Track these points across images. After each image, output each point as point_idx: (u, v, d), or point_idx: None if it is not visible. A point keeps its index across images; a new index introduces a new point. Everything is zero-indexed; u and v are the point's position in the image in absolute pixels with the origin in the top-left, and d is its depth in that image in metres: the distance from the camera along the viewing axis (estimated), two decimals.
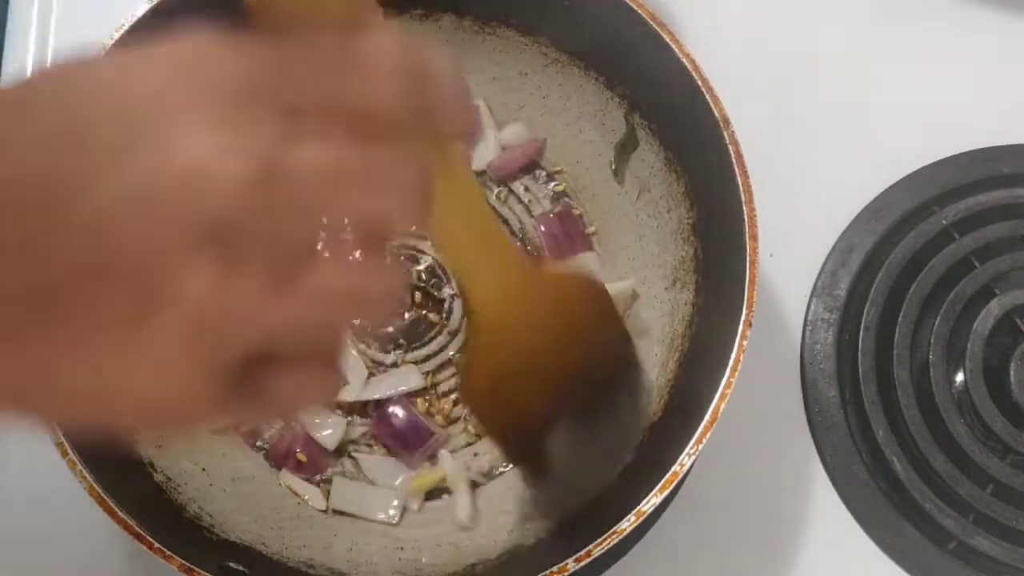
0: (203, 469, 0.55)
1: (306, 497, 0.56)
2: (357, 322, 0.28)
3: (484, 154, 0.62)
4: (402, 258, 0.61)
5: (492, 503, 0.56)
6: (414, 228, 0.31)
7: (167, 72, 0.24)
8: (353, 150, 0.26)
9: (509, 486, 0.57)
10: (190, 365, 0.25)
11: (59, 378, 0.25)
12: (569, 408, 0.48)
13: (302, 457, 0.56)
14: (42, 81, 0.26)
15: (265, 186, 0.24)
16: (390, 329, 0.60)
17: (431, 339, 0.60)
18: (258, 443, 0.57)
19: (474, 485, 0.57)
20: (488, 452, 0.58)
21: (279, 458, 0.57)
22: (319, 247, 0.26)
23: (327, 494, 0.56)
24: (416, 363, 0.59)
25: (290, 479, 0.56)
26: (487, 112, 0.63)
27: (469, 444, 0.58)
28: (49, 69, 0.27)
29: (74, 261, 0.23)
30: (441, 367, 0.59)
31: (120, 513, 0.45)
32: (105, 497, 0.45)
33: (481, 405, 0.48)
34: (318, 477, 0.57)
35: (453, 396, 0.59)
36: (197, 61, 0.25)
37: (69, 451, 0.46)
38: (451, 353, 0.60)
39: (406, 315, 0.60)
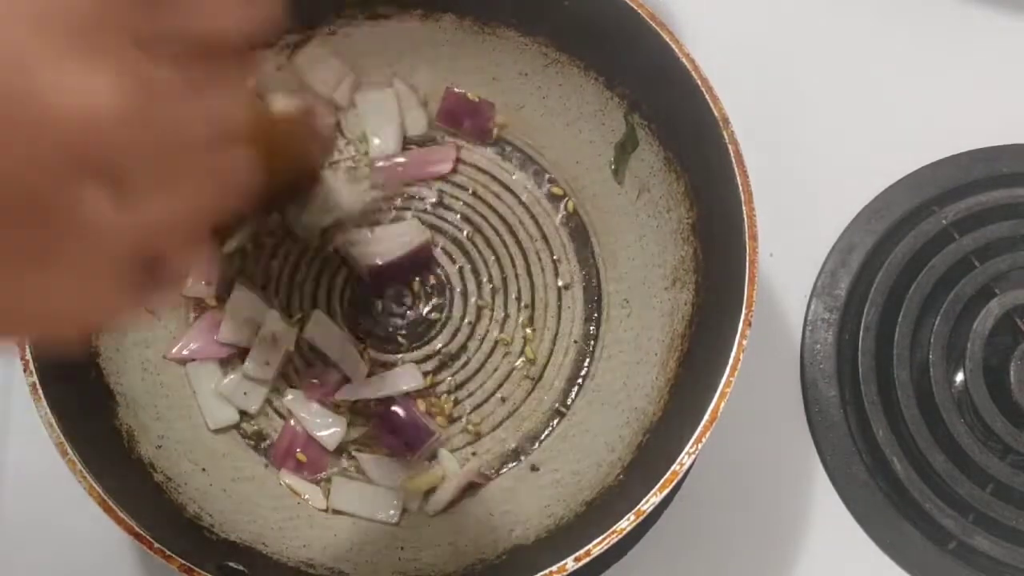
0: (203, 469, 0.55)
1: (306, 496, 0.56)
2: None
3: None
4: None
5: (492, 503, 0.56)
6: None
7: (7, 18, 0.25)
8: (200, 64, 0.29)
9: (509, 486, 0.57)
10: (104, 276, 0.27)
11: None
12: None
13: (302, 457, 0.56)
14: None
15: (135, 109, 0.26)
16: (390, 329, 0.60)
17: (431, 339, 0.60)
18: (261, 445, 0.58)
19: (473, 485, 0.57)
20: (488, 452, 0.58)
21: (279, 458, 0.57)
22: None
23: (327, 493, 0.56)
24: (416, 363, 0.59)
25: (290, 478, 0.56)
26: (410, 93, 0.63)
27: (469, 444, 0.58)
28: None
29: None
30: (441, 367, 0.59)
31: (120, 513, 0.45)
32: (105, 497, 0.45)
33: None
34: (318, 476, 0.57)
35: (453, 396, 0.59)
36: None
37: (69, 451, 0.46)
38: (451, 352, 0.60)
39: (407, 314, 0.60)
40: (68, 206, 0.25)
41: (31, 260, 0.26)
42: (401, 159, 0.62)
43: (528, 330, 0.60)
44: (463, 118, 0.63)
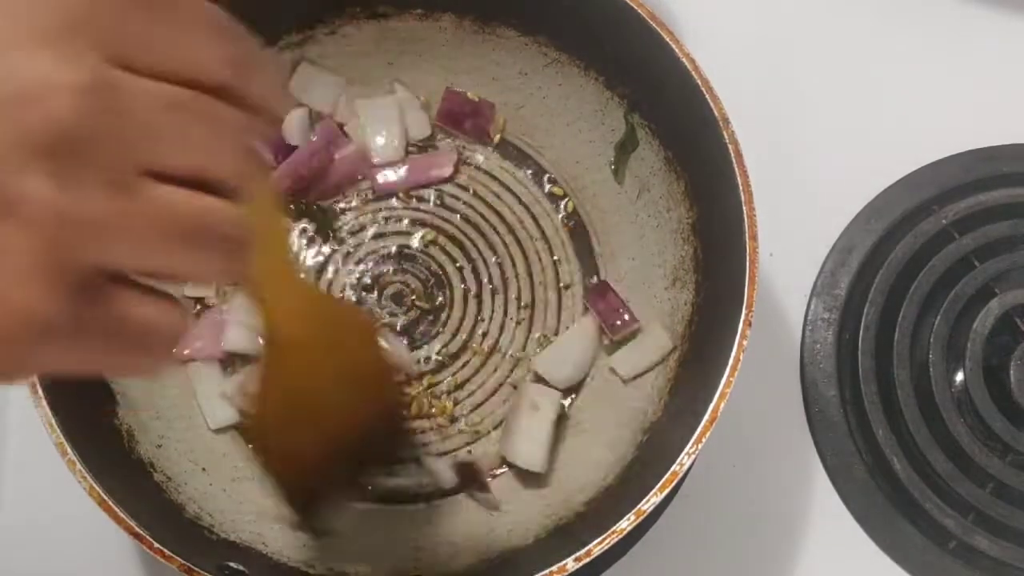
0: (203, 469, 0.55)
1: None
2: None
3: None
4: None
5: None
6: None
7: None
8: (187, 90, 0.27)
9: (509, 486, 0.57)
10: (32, 270, 0.25)
11: None
12: (349, 458, 0.50)
13: None
14: None
15: (99, 96, 0.25)
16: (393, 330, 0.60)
17: (431, 339, 0.60)
18: None
19: (479, 484, 0.57)
20: (485, 455, 0.58)
21: None
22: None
23: None
24: (416, 363, 0.59)
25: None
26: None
27: (469, 444, 0.58)
28: None
29: None
30: (441, 367, 0.59)
31: (120, 513, 0.45)
32: (105, 498, 0.45)
33: (264, 439, 0.49)
34: None
35: (453, 396, 0.59)
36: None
37: (69, 451, 0.46)
38: (451, 352, 0.60)
39: (408, 314, 0.60)
40: (7, 179, 0.24)
41: None
42: (403, 168, 0.62)
43: (528, 330, 0.60)
44: (463, 118, 0.63)
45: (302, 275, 0.42)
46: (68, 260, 0.25)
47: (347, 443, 0.49)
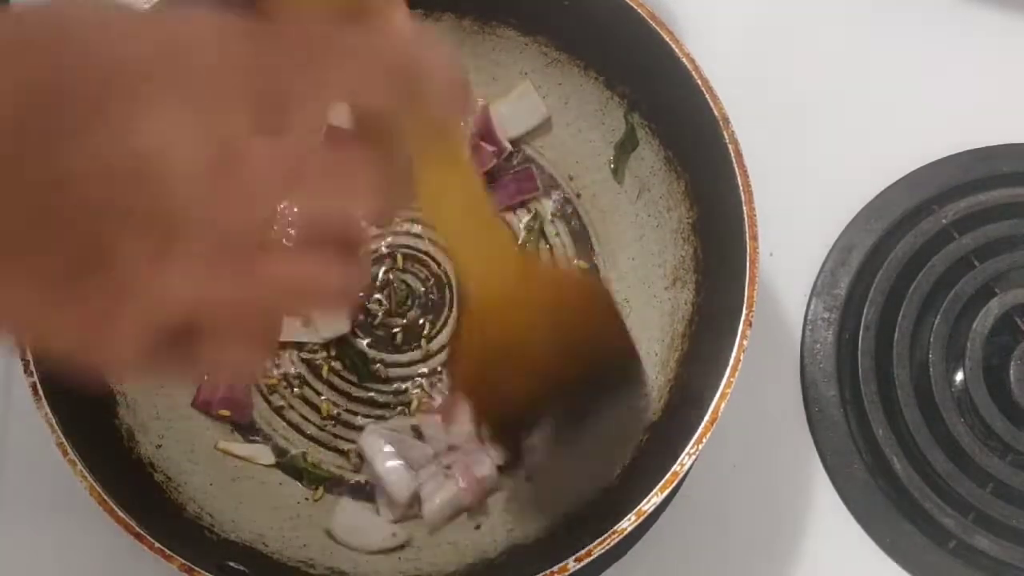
0: (203, 469, 0.55)
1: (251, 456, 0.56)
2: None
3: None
4: (391, 258, 0.61)
5: (492, 502, 0.56)
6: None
7: (153, 45, 0.25)
8: (319, 148, 0.27)
9: (510, 485, 0.57)
10: (118, 324, 0.26)
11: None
12: (558, 403, 0.48)
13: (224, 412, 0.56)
14: (35, 20, 0.26)
15: (217, 174, 0.25)
16: (391, 329, 0.60)
17: (432, 338, 0.60)
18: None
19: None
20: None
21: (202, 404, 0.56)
22: (279, 234, 0.27)
23: (274, 449, 0.56)
24: (416, 363, 0.59)
25: (228, 444, 0.56)
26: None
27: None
28: (45, 10, 0.26)
29: (28, 213, 0.24)
30: (440, 367, 0.59)
31: (120, 513, 0.45)
32: (105, 497, 0.45)
33: (467, 384, 0.48)
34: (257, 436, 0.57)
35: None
36: (185, 39, 0.25)
37: (69, 451, 0.46)
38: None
39: (408, 314, 0.60)
40: (105, 243, 0.25)
41: (60, 276, 0.25)
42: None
43: None
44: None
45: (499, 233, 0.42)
46: (147, 318, 0.26)
47: (557, 385, 0.47)
